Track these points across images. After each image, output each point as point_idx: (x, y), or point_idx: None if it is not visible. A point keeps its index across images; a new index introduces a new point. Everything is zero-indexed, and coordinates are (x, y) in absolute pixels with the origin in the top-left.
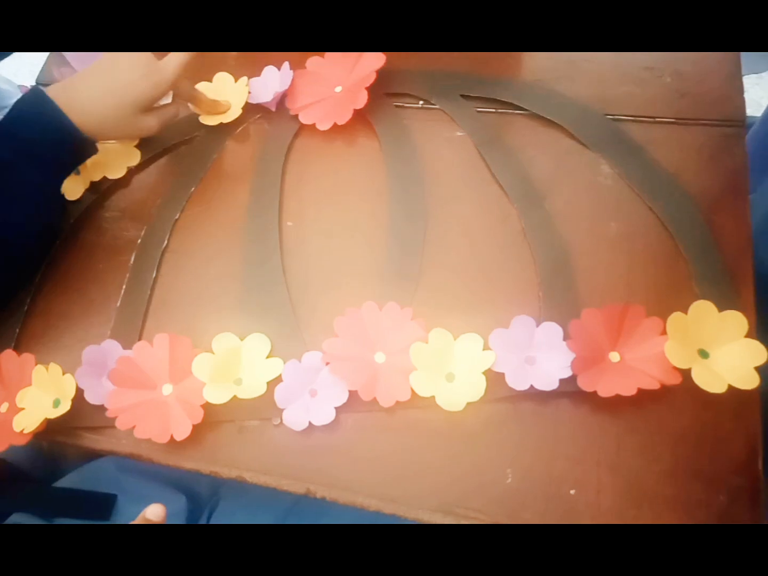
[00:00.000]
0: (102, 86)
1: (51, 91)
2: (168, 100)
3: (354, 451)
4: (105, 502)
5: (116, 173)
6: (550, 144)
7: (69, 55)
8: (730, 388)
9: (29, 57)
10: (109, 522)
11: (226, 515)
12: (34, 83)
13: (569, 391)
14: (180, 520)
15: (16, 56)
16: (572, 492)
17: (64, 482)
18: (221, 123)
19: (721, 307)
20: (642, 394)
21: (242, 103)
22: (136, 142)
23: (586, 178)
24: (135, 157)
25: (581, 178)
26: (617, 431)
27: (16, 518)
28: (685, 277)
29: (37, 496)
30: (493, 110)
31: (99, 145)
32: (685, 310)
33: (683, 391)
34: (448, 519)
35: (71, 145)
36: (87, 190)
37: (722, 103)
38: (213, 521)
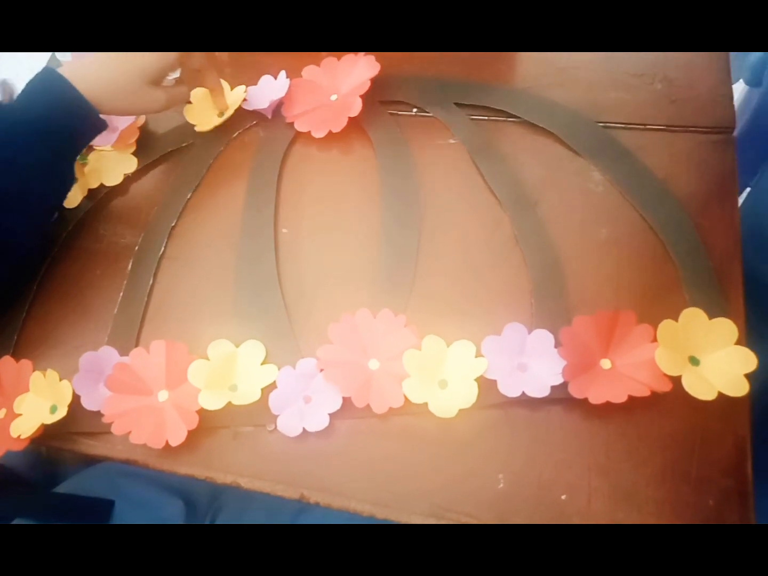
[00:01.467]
0: (109, 59)
1: (61, 69)
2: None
3: (347, 457)
4: (102, 508)
5: (113, 180)
6: (542, 151)
7: (67, 60)
8: (720, 395)
9: (28, 59)
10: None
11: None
12: None
13: (560, 397)
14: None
15: (16, 58)
16: (563, 497)
17: (62, 488)
18: (215, 127)
19: (711, 314)
20: (632, 399)
21: (236, 106)
22: (132, 149)
23: (577, 185)
24: (132, 164)
25: (572, 184)
26: (607, 436)
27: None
28: (675, 283)
29: (35, 502)
30: (486, 117)
31: (96, 153)
32: (675, 317)
33: (672, 395)
34: (441, 524)
35: (82, 119)
36: (84, 198)
37: (712, 110)
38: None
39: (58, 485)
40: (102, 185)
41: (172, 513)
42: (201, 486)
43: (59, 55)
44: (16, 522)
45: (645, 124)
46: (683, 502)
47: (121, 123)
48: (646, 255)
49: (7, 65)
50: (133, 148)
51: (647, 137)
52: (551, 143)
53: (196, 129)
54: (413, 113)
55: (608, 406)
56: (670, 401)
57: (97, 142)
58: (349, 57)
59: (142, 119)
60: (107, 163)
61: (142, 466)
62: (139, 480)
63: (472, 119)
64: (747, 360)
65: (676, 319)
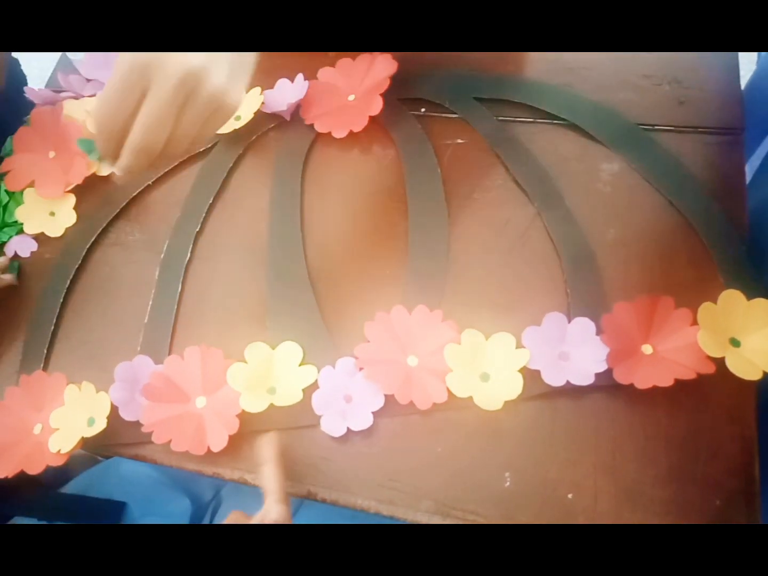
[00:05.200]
0: None
1: None
2: None
3: (354, 455)
4: (114, 509)
5: None
6: (565, 143)
7: (78, 62)
8: (729, 389)
9: (38, 62)
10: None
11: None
12: (43, 88)
13: (606, 385)
14: (183, 521)
15: (26, 61)
16: (570, 496)
17: (71, 487)
18: (234, 131)
19: (749, 296)
20: (638, 399)
21: (254, 109)
22: None
23: (604, 176)
24: None
25: (599, 175)
26: (614, 435)
27: (27, 522)
28: (708, 267)
29: (47, 502)
30: (512, 118)
31: None
32: (710, 301)
33: (679, 395)
34: (446, 521)
35: None
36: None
37: (720, 111)
38: (216, 521)
39: (67, 482)
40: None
41: (178, 509)
42: (205, 482)
43: (70, 55)
44: (29, 522)
45: (654, 125)
46: (689, 502)
47: None
48: (678, 241)
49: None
50: None
51: (656, 138)
52: (575, 137)
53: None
54: (433, 110)
55: (613, 404)
56: (677, 400)
57: None
58: (365, 57)
59: None
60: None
61: (150, 461)
62: (145, 478)
63: (494, 114)
64: None
65: (712, 303)
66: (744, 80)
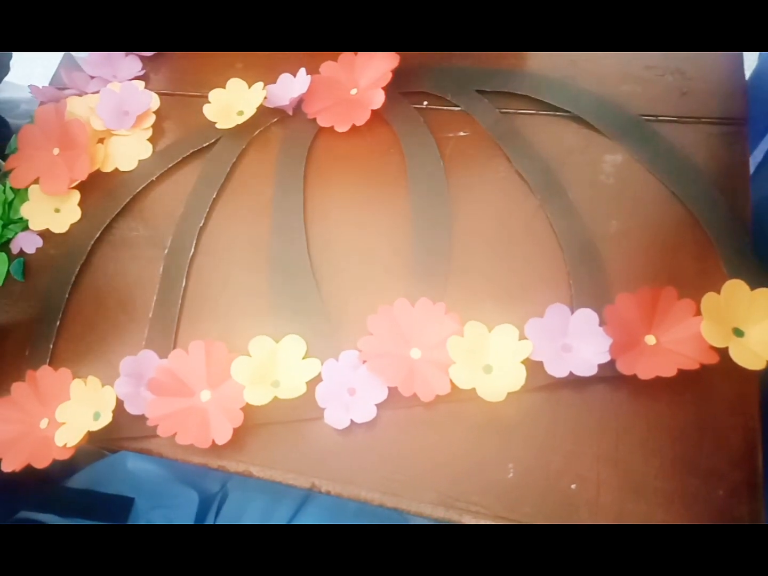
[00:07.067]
0: None
1: None
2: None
3: (358, 446)
4: (122, 505)
5: (128, 165)
6: (568, 135)
7: (81, 60)
8: (732, 379)
9: (42, 59)
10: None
11: (235, 508)
12: (47, 85)
13: (609, 376)
14: (191, 515)
15: (30, 58)
16: (573, 487)
17: (77, 480)
18: (237, 126)
19: (752, 285)
20: (640, 390)
21: (256, 104)
22: (148, 135)
23: (606, 168)
24: (147, 150)
25: (602, 166)
26: (616, 426)
27: (34, 517)
28: (711, 258)
29: (55, 497)
30: (513, 111)
31: (111, 138)
32: (714, 292)
33: (682, 386)
34: (450, 513)
35: None
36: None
37: (723, 101)
38: (222, 513)
39: (73, 475)
40: (116, 170)
41: (186, 502)
42: (212, 475)
43: (75, 54)
44: (36, 518)
45: (656, 116)
46: (692, 494)
47: (134, 107)
48: (681, 232)
49: (20, 66)
50: (149, 134)
51: (658, 129)
52: (577, 128)
53: (217, 126)
54: (435, 103)
55: (616, 395)
56: (679, 392)
57: (113, 126)
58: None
59: (156, 104)
60: (122, 148)
61: (156, 455)
62: (152, 472)
63: (495, 106)
64: None
65: (715, 293)
66: (748, 71)
